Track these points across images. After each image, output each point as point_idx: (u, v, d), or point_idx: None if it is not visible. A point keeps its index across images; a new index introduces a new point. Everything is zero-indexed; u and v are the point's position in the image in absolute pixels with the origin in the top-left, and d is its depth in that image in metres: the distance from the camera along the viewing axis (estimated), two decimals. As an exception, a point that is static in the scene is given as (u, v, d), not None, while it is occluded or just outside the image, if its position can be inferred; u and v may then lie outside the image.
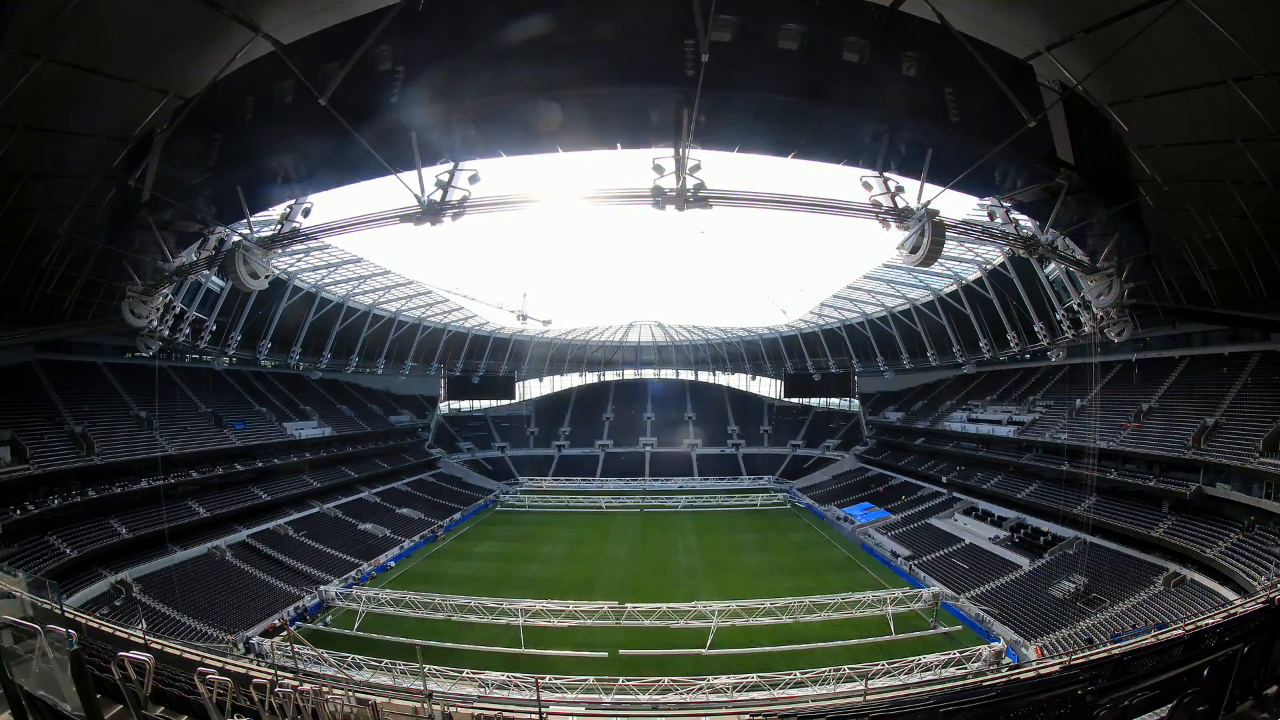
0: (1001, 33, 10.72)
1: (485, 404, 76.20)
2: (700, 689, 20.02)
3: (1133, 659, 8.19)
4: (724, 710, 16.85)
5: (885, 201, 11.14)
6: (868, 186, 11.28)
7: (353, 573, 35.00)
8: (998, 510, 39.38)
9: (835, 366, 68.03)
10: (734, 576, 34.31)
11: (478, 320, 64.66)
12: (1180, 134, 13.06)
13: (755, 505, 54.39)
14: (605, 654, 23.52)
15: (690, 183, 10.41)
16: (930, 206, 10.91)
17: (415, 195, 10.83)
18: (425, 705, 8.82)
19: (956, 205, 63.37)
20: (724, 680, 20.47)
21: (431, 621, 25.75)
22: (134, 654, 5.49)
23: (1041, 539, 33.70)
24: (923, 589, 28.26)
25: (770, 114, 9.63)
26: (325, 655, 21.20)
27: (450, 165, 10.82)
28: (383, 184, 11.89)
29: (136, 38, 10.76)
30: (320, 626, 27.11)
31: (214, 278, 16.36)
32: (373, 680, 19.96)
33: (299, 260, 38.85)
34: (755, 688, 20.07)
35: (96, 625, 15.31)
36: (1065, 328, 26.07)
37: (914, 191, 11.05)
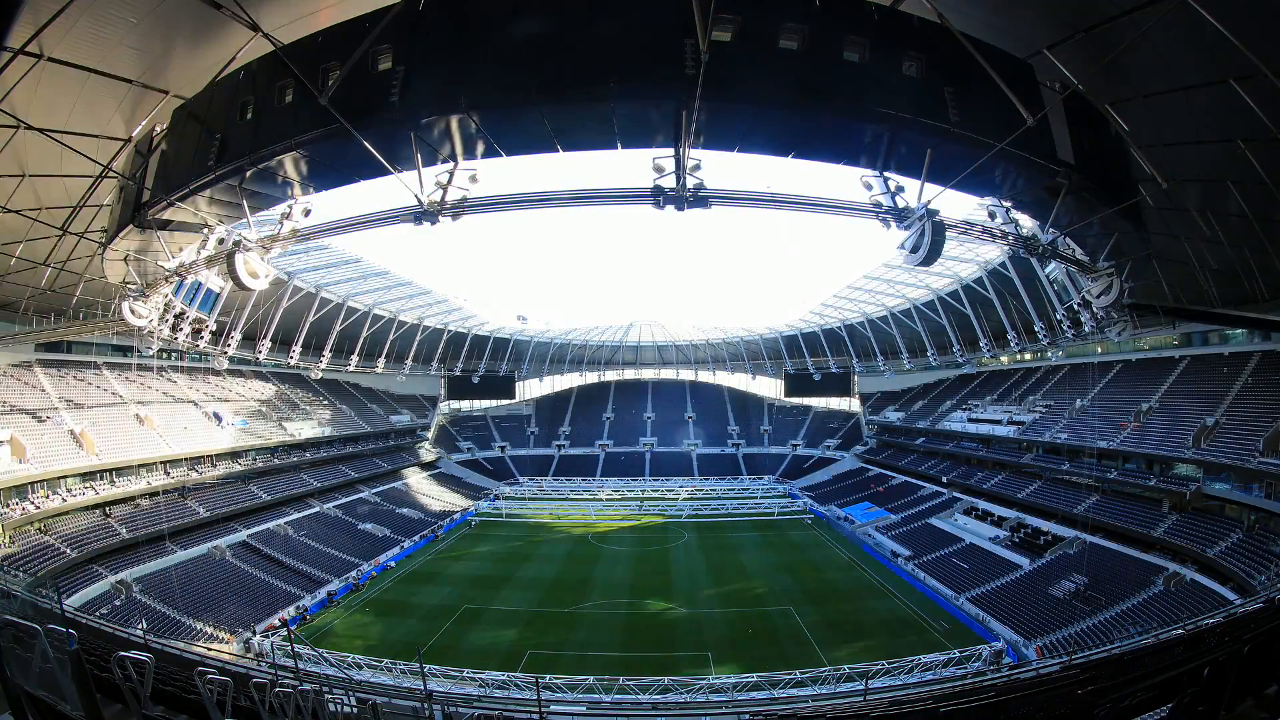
0: (1001, 32, 10.70)
1: (485, 404, 76.14)
2: (700, 689, 20.03)
3: (1133, 659, 8.18)
4: (724, 710, 16.85)
5: (885, 201, 11.11)
6: (868, 186, 11.26)
7: (352, 573, 35.00)
8: (998, 510, 39.35)
9: (835, 366, 67.99)
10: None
11: (478, 320, 64.66)
12: (1180, 134, 13.07)
13: (772, 515, 49.29)
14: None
15: (690, 183, 10.38)
16: (930, 206, 10.88)
17: (415, 195, 10.81)
18: (425, 705, 8.82)
19: (956, 205, 63.38)
20: (724, 680, 20.49)
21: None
22: (134, 654, 5.49)
23: (1041, 539, 33.69)
24: (982, 647, 22.97)
25: (770, 113, 9.60)
26: (325, 655, 21.21)
27: (450, 165, 10.80)
28: (383, 184, 11.88)
29: (136, 37, 10.76)
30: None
31: (214, 277, 16.34)
32: (373, 680, 19.98)
33: (299, 260, 38.81)
34: (755, 688, 20.08)
35: (96, 625, 15.32)
36: (1065, 328, 26.05)
37: (914, 191, 11.02)
